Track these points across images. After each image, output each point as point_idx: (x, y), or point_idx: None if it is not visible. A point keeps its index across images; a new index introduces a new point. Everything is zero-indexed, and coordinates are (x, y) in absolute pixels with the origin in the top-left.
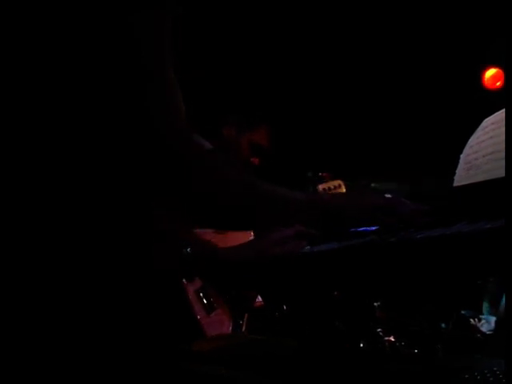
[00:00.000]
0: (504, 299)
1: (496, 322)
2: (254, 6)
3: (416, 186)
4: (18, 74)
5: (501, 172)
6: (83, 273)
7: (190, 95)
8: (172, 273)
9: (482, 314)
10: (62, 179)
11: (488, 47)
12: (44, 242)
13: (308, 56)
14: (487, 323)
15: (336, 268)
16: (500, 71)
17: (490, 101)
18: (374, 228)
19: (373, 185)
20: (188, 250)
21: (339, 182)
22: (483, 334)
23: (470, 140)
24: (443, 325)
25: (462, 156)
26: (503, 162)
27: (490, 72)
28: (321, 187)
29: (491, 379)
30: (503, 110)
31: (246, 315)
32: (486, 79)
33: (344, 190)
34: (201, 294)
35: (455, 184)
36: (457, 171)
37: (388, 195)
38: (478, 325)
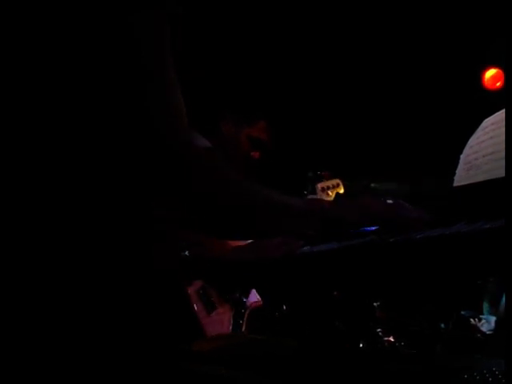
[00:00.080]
0: (504, 299)
1: (496, 321)
2: (250, 1)
3: (416, 185)
4: (18, 74)
5: (501, 172)
6: (83, 273)
7: (187, 92)
8: (172, 273)
9: (482, 314)
10: (62, 179)
11: (488, 47)
12: (44, 243)
13: (309, 56)
14: (487, 323)
15: (336, 268)
16: (500, 71)
17: (490, 101)
18: (373, 228)
19: (373, 185)
20: (186, 252)
21: (337, 181)
22: (483, 334)
23: (469, 140)
24: (443, 325)
25: (461, 156)
26: (503, 162)
27: (490, 72)
28: (319, 186)
29: (490, 379)
30: (503, 111)
31: (247, 315)
32: (486, 79)
33: (342, 189)
34: (201, 294)
35: (455, 184)
36: (457, 171)
37: (389, 200)
38: (478, 325)
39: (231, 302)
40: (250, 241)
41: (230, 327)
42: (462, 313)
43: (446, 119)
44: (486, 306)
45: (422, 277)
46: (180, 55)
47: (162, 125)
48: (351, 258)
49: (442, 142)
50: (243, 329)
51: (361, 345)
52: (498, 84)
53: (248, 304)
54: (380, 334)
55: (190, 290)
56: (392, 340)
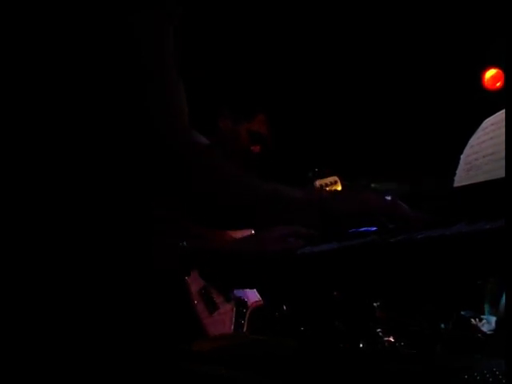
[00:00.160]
0: (504, 299)
1: (496, 322)
2: None
3: (416, 186)
4: (18, 74)
5: (501, 172)
6: (83, 273)
7: (185, 91)
8: (173, 272)
9: (483, 314)
10: (62, 179)
11: (488, 48)
12: (44, 242)
13: (309, 57)
14: (488, 323)
15: (336, 268)
16: (500, 72)
17: (490, 101)
18: (374, 228)
19: (373, 185)
20: (184, 243)
21: (335, 178)
22: (484, 334)
23: (470, 140)
24: (443, 325)
25: (462, 156)
26: (503, 163)
27: (490, 72)
28: (317, 183)
29: (491, 380)
30: (503, 111)
31: (248, 314)
32: (486, 80)
33: (340, 187)
34: (203, 294)
35: (455, 184)
36: (457, 172)
37: (388, 197)
38: (479, 325)
39: (233, 301)
40: (249, 232)
41: (232, 327)
42: (462, 313)
43: (446, 119)
44: (486, 306)
45: (422, 277)
46: (178, 54)
47: (161, 125)
48: (352, 258)
49: (443, 142)
50: (245, 328)
51: (361, 345)
52: (498, 84)
53: (249, 303)
54: (380, 334)
55: (192, 290)
56: (392, 340)
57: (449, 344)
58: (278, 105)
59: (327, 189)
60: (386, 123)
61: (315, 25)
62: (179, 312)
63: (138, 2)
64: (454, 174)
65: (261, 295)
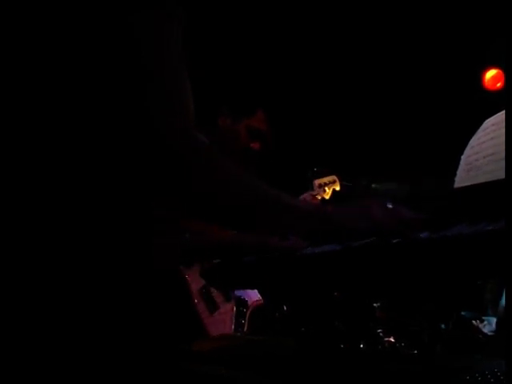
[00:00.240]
0: (503, 299)
1: (496, 322)
2: None
3: (416, 186)
4: (18, 74)
5: (501, 173)
6: (84, 272)
7: None
8: (173, 272)
9: (485, 314)
10: (62, 179)
11: (488, 48)
12: (44, 242)
13: (309, 54)
14: (489, 324)
15: (338, 269)
16: (500, 72)
17: (491, 102)
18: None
19: (373, 185)
20: (187, 235)
21: (334, 177)
22: (484, 335)
23: (470, 141)
24: (443, 326)
25: (462, 157)
26: (504, 163)
27: (491, 73)
28: (316, 182)
29: (492, 380)
30: (504, 111)
31: (248, 314)
32: (486, 80)
33: (338, 186)
34: (204, 293)
35: (456, 185)
36: (457, 172)
37: (390, 205)
38: (480, 326)
39: (233, 301)
40: None
41: (233, 326)
42: (463, 314)
43: (446, 120)
44: (487, 306)
45: (423, 278)
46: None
47: (161, 125)
48: (353, 259)
49: (443, 143)
50: (245, 328)
51: (361, 345)
52: (499, 85)
53: (250, 303)
54: (380, 334)
55: (193, 290)
56: (392, 341)
57: (449, 345)
58: (277, 102)
59: (326, 188)
60: (387, 123)
61: (315, 24)
62: (180, 312)
63: (138, 2)
64: (455, 174)
65: (261, 295)
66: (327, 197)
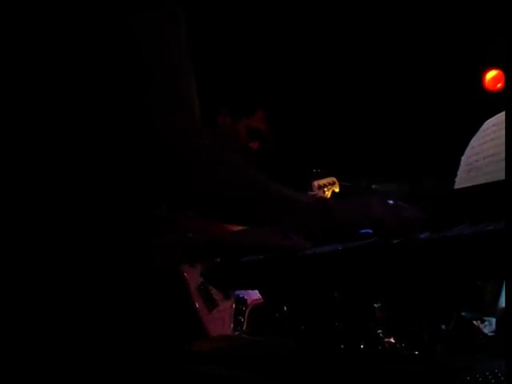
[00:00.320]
0: (501, 299)
1: (496, 322)
2: None
3: (416, 186)
4: (17, 74)
5: (502, 174)
6: (83, 272)
7: None
8: (172, 272)
9: (486, 315)
10: (62, 179)
11: (489, 49)
12: (44, 242)
13: (310, 54)
14: (490, 325)
15: (338, 269)
16: (501, 73)
17: (491, 102)
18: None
19: (373, 186)
20: (190, 235)
21: (333, 179)
22: (485, 335)
23: (471, 142)
24: (444, 326)
25: (463, 158)
26: (504, 164)
27: (491, 74)
28: (316, 183)
29: (492, 381)
30: (504, 112)
31: (248, 312)
32: (486, 81)
33: (338, 188)
34: (202, 290)
35: (456, 186)
36: (458, 173)
37: (390, 201)
38: (481, 326)
39: (232, 299)
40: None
41: (232, 325)
42: (463, 314)
43: (446, 121)
44: (487, 306)
45: (424, 279)
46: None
47: (161, 125)
48: (354, 259)
49: (443, 144)
50: (244, 327)
51: (361, 346)
52: (499, 85)
53: (249, 301)
54: (381, 335)
55: (191, 287)
56: (393, 341)
57: (450, 345)
58: (277, 103)
59: (325, 189)
60: (387, 124)
61: (316, 25)
62: (178, 309)
63: (138, 2)
64: (455, 175)
65: (261, 295)
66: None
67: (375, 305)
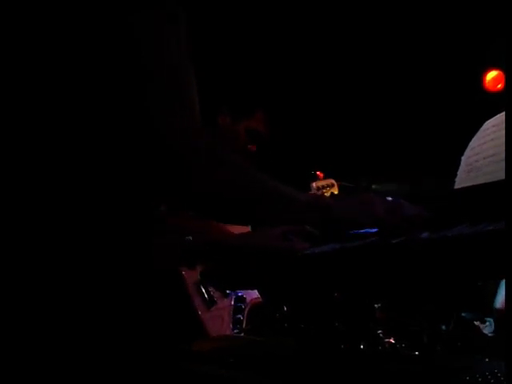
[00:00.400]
0: (496, 299)
1: (494, 322)
2: None
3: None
4: (17, 75)
5: (502, 174)
6: (83, 272)
7: None
8: (172, 272)
9: (487, 315)
10: (62, 179)
11: (489, 50)
12: (44, 243)
13: (310, 57)
14: (490, 326)
15: (337, 269)
16: (501, 73)
17: (491, 103)
18: (375, 230)
19: (374, 186)
20: (190, 237)
21: (332, 181)
22: (485, 336)
23: (471, 142)
24: (444, 327)
25: (463, 158)
26: (504, 164)
27: (491, 74)
28: (314, 185)
29: (492, 381)
30: (504, 112)
31: (247, 311)
32: (487, 82)
33: (337, 190)
34: (201, 287)
35: (456, 186)
36: (458, 173)
37: (389, 198)
38: (482, 327)
39: (231, 296)
40: (247, 229)
41: (231, 323)
42: (463, 315)
43: (447, 121)
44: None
45: (424, 278)
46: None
47: (161, 125)
48: (353, 259)
49: (443, 144)
50: (243, 325)
51: (361, 346)
52: (499, 86)
53: (248, 300)
54: (381, 335)
55: (189, 284)
56: (392, 341)
57: (450, 345)
58: (277, 104)
59: (324, 191)
60: (387, 124)
61: (317, 27)
62: (177, 308)
63: (138, 2)
64: (455, 175)
65: (261, 295)
66: None
67: (375, 305)
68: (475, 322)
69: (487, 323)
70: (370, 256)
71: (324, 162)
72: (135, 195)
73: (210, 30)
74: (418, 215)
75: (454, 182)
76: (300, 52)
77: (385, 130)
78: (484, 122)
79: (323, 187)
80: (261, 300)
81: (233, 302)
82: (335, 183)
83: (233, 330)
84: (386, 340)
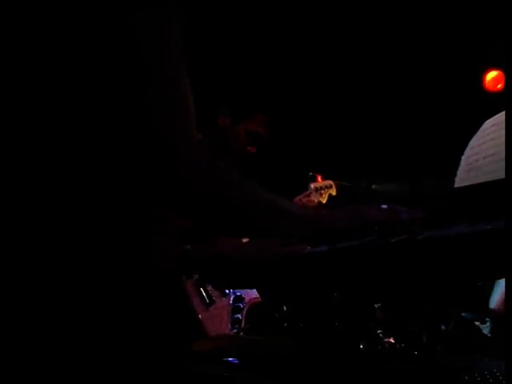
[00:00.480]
0: (491, 299)
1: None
2: None
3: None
4: (18, 75)
5: (501, 173)
6: (83, 272)
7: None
8: (172, 272)
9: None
10: (63, 180)
11: (489, 50)
12: (45, 243)
13: (310, 56)
14: (490, 326)
15: (337, 269)
16: (501, 74)
17: (491, 103)
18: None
19: (373, 186)
20: (188, 247)
21: (330, 182)
22: (485, 335)
23: (470, 142)
24: (443, 327)
25: (462, 158)
26: (504, 164)
27: (491, 74)
28: (313, 186)
29: (491, 381)
30: (504, 112)
31: (245, 311)
32: (487, 82)
33: (335, 191)
34: (199, 287)
35: (456, 185)
36: (457, 173)
37: (384, 206)
38: (482, 327)
39: (229, 296)
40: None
41: (229, 322)
42: (463, 315)
43: (447, 121)
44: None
45: (423, 278)
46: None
47: (162, 125)
48: (352, 258)
49: (443, 144)
50: (242, 325)
51: (361, 346)
52: (499, 86)
53: (247, 300)
54: (380, 335)
55: (188, 284)
56: (392, 341)
57: (450, 345)
58: (277, 105)
59: (322, 192)
60: (387, 124)
61: (316, 27)
62: (177, 312)
63: (138, 2)
64: (455, 175)
65: (260, 295)
66: (324, 201)
67: (375, 305)
68: (475, 322)
69: (487, 323)
70: (369, 255)
71: (324, 161)
72: (135, 195)
73: (210, 30)
74: (416, 217)
75: (454, 181)
76: (299, 53)
77: (385, 130)
78: (484, 121)
79: (321, 188)
80: (259, 300)
81: (231, 302)
82: (333, 185)
83: (231, 329)
84: (386, 340)
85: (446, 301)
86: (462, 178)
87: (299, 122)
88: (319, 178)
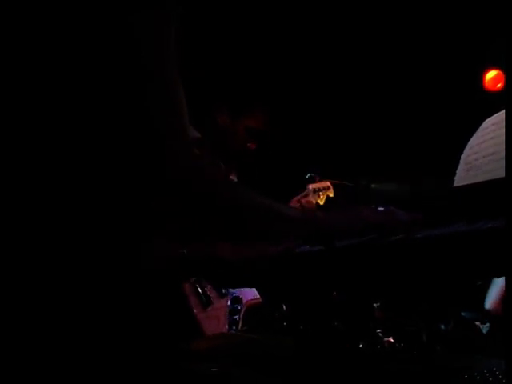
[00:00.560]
0: (487, 300)
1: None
2: None
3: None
4: (18, 75)
5: (501, 172)
6: (82, 273)
7: (183, 85)
8: (171, 273)
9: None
10: (62, 180)
11: (489, 49)
12: (44, 243)
13: (310, 55)
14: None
15: (336, 267)
16: (501, 73)
17: (491, 102)
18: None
19: (373, 185)
20: (185, 251)
21: (328, 183)
22: (485, 335)
23: (470, 141)
24: (443, 326)
25: (462, 157)
26: (504, 163)
27: (491, 74)
28: (311, 187)
29: (490, 379)
30: (504, 111)
31: (243, 312)
32: (486, 81)
33: (332, 193)
34: (197, 287)
35: (455, 184)
36: (457, 172)
37: (381, 208)
38: (481, 327)
39: (227, 297)
40: None
41: (227, 323)
42: (463, 314)
43: (446, 120)
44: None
45: (422, 277)
46: (179, 54)
47: (162, 125)
48: (351, 257)
49: (443, 143)
50: (240, 326)
51: (360, 345)
52: (499, 85)
53: (244, 301)
54: (380, 334)
55: (186, 284)
56: (392, 341)
57: (450, 345)
58: (277, 102)
59: (320, 193)
60: (387, 123)
61: (316, 25)
62: (175, 311)
63: (138, 2)
64: (454, 174)
65: (260, 295)
66: (321, 202)
67: (374, 304)
68: (475, 322)
69: (487, 323)
70: (368, 254)
71: (323, 161)
72: (135, 195)
73: (209, 28)
74: (413, 218)
75: (454, 180)
76: (299, 50)
77: (384, 130)
78: (483, 121)
79: (319, 189)
80: (257, 301)
81: (229, 303)
82: (331, 186)
83: (229, 330)
84: (386, 339)
85: (446, 300)
86: (462, 177)
87: (299, 121)
88: (317, 180)
